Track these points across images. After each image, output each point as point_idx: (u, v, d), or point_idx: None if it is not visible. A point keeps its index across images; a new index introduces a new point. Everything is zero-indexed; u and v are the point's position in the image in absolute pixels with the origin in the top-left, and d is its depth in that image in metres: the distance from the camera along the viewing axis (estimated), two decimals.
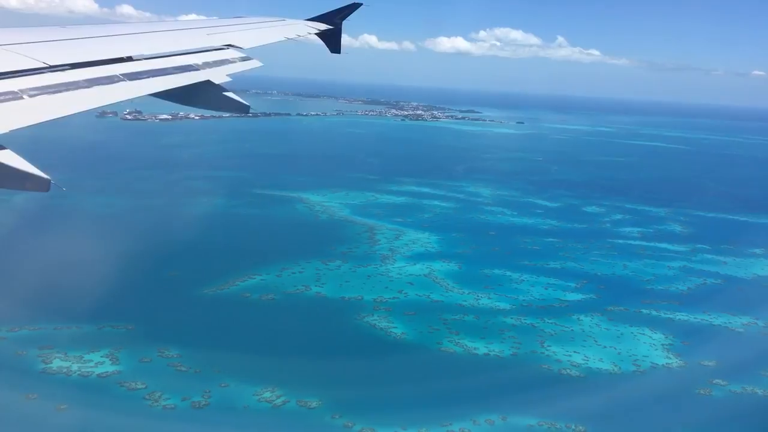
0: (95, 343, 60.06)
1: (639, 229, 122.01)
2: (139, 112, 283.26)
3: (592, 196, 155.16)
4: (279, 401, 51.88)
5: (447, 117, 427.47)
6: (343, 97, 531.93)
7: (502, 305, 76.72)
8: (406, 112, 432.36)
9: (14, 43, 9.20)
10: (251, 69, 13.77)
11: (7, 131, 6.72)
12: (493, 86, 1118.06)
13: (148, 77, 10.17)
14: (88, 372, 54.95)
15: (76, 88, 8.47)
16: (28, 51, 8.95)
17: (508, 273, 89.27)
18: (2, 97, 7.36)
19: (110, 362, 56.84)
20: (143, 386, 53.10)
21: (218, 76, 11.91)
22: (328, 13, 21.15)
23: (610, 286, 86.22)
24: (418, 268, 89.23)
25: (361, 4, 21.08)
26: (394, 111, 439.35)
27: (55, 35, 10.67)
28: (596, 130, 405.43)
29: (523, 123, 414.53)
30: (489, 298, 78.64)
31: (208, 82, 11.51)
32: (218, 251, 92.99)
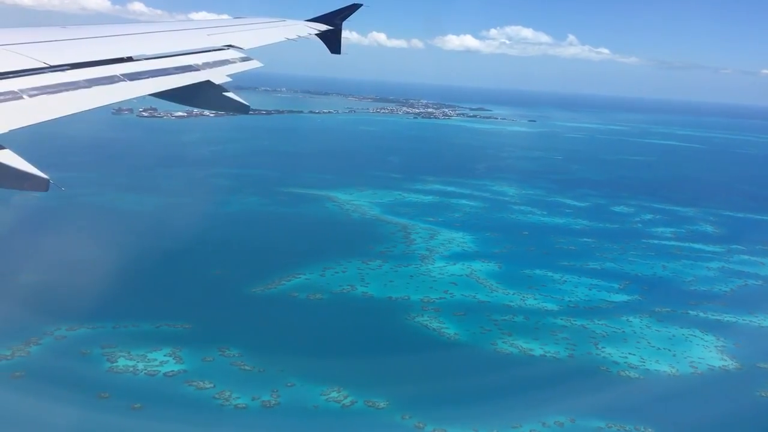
0: (156, 342, 60.36)
1: (671, 230, 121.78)
2: (155, 109, 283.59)
3: (618, 196, 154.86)
4: (347, 401, 52.07)
5: (458, 115, 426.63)
6: (352, 95, 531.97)
7: (550, 306, 76.75)
8: (417, 110, 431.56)
9: (15, 43, 9.20)
10: (252, 69, 13.81)
11: (7, 131, 6.72)
12: (502, 84, 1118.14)
13: (149, 77, 10.20)
14: (154, 371, 55.26)
15: (76, 88, 8.49)
16: (28, 51, 8.95)
17: (549, 273, 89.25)
18: (2, 97, 7.35)
19: (174, 361, 57.12)
20: (211, 386, 53.35)
21: (218, 77, 11.94)
22: (328, 13, 21.19)
23: (653, 287, 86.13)
24: (459, 268, 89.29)
25: (361, 5, 21.06)
26: (405, 109, 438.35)
27: (56, 35, 10.70)
28: (608, 128, 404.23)
29: (535, 121, 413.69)
30: (535, 299, 78.67)
31: (208, 83, 11.51)
32: (258, 250, 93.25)
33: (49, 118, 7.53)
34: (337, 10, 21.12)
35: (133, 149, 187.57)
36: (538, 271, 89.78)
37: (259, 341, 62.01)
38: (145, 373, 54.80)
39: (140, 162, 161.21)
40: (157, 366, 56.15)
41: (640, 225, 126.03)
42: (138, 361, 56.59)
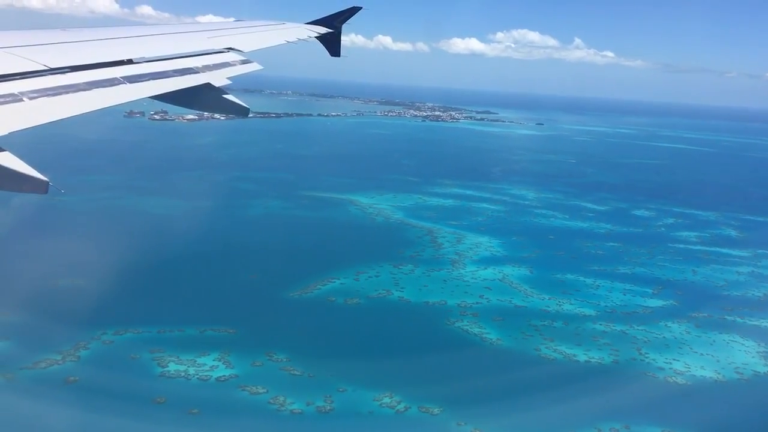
0: (203, 347, 60.47)
1: (695, 234, 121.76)
2: (165, 112, 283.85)
3: (636, 200, 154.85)
4: (401, 407, 52.12)
5: (465, 118, 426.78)
6: (357, 98, 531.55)
7: (587, 311, 76.78)
8: (424, 113, 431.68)
9: (15, 45, 9.22)
10: (252, 71, 13.82)
11: (7, 133, 6.73)
12: (507, 87, 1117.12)
13: (149, 80, 10.19)
14: (206, 376, 55.37)
15: (77, 91, 8.50)
16: (28, 53, 8.96)
17: (581, 278, 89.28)
18: (2, 99, 7.36)
19: (224, 366, 57.23)
20: (264, 391, 53.44)
21: (218, 79, 11.93)
22: (328, 16, 21.13)
23: (687, 293, 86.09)
24: (491, 273, 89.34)
25: (360, 8, 20.98)
26: (412, 112, 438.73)
27: (56, 38, 10.73)
28: (616, 131, 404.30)
29: (542, 124, 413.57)
30: (571, 304, 78.70)
31: (208, 85, 11.51)
32: (289, 254, 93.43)
33: (49, 121, 7.55)
34: (336, 13, 21.12)
35: (150, 152, 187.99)
36: (569, 276, 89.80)
37: (304, 346, 62.09)
38: (197, 378, 54.91)
39: (159, 165, 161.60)
40: (207, 371, 56.24)
41: (663, 229, 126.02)
42: (188, 366, 56.70)
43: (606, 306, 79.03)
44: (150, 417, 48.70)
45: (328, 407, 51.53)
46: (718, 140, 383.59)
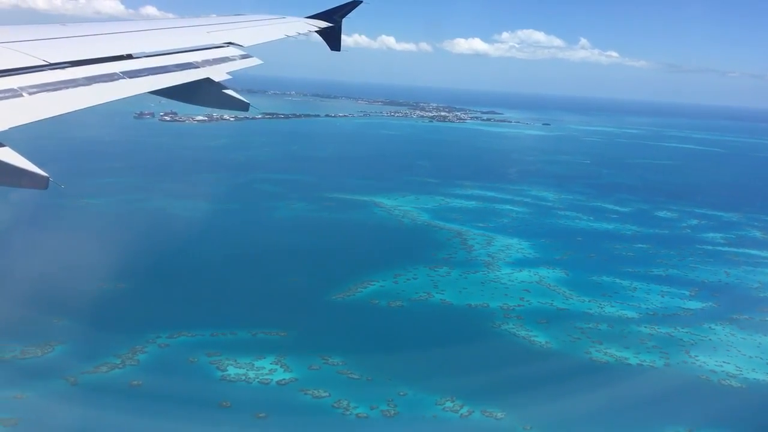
0: (257, 350, 60.64)
1: (721, 235, 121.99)
2: (175, 113, 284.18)
3: (657, 201, 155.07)
4: (464, 411, 52.30)
5: (471, 118, 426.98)
6: (361, 98, 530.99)
7: (629, 313, 76.99)
8: (430, 114, 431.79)
9: (15, 40, 9.19)
10: (252, 66, 13.73)
11: (6, 128, 6.72)
12: (511, 87, 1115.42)
13: (148, 75, 10.19)
14: (266, 379, 55.54)
15: (76, 86, 8.48)
16: (28, 48, 8.91)
17: (617, 280, 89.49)
18: (2, 95, 7.33)
19: (282, 370, 57.40)
20: (327, 394, 53.63)
21: (218, 74, 11.91)
22: (328, 10, 21.08)
23: (723, 294, 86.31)
24: (527, 275, 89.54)
25: (361, 2, 20.97)
26: (418, 112, 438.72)
27: (56, 33, 10.68)
28: (624, 131, 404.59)
29: (549, 124, 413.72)
30: (612, 306, 78.92)
31: (208, 80, 11.49)
32: (323, 256, 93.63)
33: (49, 116, 7.54)
34: (336, 7, 21.07)
35: (166, 154, 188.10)
36: (605, 278, 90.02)
37: (357, 349, 62.27)
38: (258, 382, 55.08)
39: (179, 167, 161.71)
40: (267, 374, 56.41)
41: (688, 231, 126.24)
42: (247, 370, 56.88)
43: (647, 308, 79.21)
44: (218, 421, 48.90)
45: (393, 411, 51.70)
46: (725, 140, 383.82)
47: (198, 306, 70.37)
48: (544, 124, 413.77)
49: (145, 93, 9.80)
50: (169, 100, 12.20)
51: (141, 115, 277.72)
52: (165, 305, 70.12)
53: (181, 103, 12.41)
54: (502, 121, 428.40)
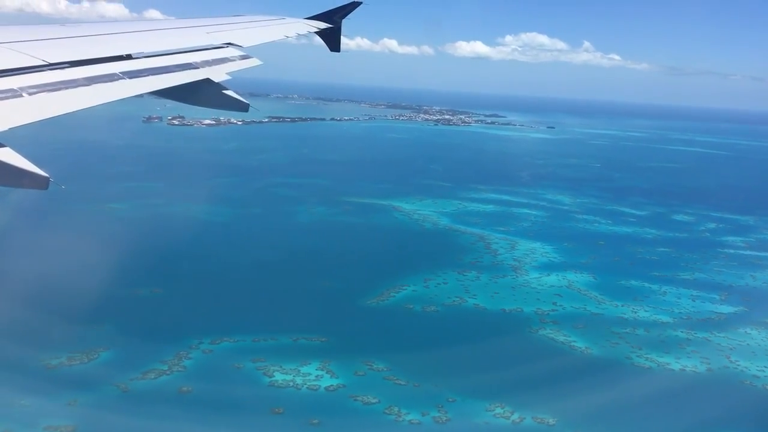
0: (301, 356, 60.61)
1: (740, 239, 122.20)
2: (183, 117, 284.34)
3: (672, 204, 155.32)
4: (515, 417, 52.30)
5: (476, 121, 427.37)
6: (364, 101, 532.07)
7: (663, 318, 77.08)
8: (434, 117, 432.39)
9: (15, 41, 9.17)
10: (252, 66, 13.72)
11: (6, 129, 6.69)
12: (513, 90, 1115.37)
13: (148, 75, 10.18)
14: (314, 385, 55.50)
15: (76, 86, 8.47)
16: (28, 49, 8.89)
17: (646, 284, 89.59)
18: (2, 95, 7.31)
19: (328, 375, 57.38)
20: (376, 401, 53.60)
21: (218, 75, 11.91)
22: (327, 11, 21.01)
23: (753, 298, 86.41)
24: (555, 279, 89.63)
25: (361, 3, 20.90)
26: (422, 115, 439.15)
27: (56, 33, 10.67)
28: (628, 135, 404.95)
29: (553, 128, 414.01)
30: (646, 311, 78.98)
31: (207, 80, 11.49)
32: (351, 261, 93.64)
33: (49, 116, 7.52)
34: (336, 8, 21.01)
35: (180, 158, 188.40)
36: (634, 282, 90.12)
37: (399, 355, 62.15)
38: (306, 388, 55.02)
39: (194, 171, 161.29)
40: (314, 380, 56.38)
41: (708, 234, 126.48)
42: (294, 375, 56.85)
43: (680, 313, 79.31)
44: (273, 427, 48.91)
45: (444, 417, 51.67)
46: (730, 144, 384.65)
47: (235, 311, 70.29)
48: (548, 128, 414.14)
49: (145, 93, 9.79)
50: (175, 102, 12.30)
51: (149, 119, 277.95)
52: (202, 310, 70.07)
53: (188, 107, 12.40)
54: (506, 124, 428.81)
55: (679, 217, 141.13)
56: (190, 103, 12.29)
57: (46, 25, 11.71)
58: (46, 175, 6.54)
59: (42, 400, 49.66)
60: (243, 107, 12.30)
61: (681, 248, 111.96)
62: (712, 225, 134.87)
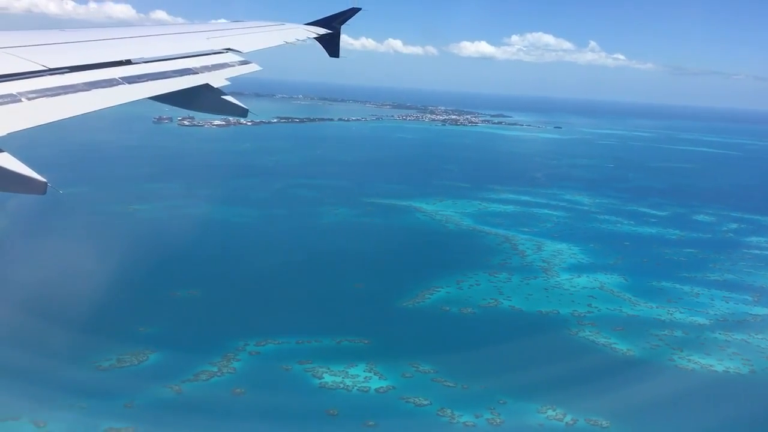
0: (346, 358, 60.72)
1: (765, 239, 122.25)
2: (192, 118, 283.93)
3: (691, 205, 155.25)
4: (568, 419, 52.36)
5: (482, 122, 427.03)
6: (369, 102, 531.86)
7: (699, 320, 77.09)
8: (441, 117, 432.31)
9: (14, 45, 9.19)
10: (251, 72, 13.77)
11: (5, 134, 6.70)
12: (517, 91, 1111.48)
13: (147, 80, 10.18)
14: (364, 387, 55.61)
15: (75, 91, 8.48)
16: (27, 54, 8.91)
17: (677, 286, 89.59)
18: (1, 100, 7.34)
19: (377, 377, 57.46)
20: (428, 402, 53.68)
21: (217, 80, 11.92)
22: (326, 17, 21.08)
23: None
24: (586, 281, 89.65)
25: (360, 9, 20.96)
26: (429, 116, 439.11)
27: (55, 38, 10.73)
28: (635, 134, 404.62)
29: (560, 128, 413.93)
30: (681, 313, 79.00)
31: (206, 86, 11.50)
32: (380, 262, 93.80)
33: (48, 121, 7.52)
34: (335, 14, 21.09)
35: (195, 159, 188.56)
36: (665, 284, 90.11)
37: (443, 356, 62.22)
38: (357, 390, 55.13)
39: (212, 172, 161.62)
40: (363, 382, 56.48)
41: (731, 235, 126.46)
42: (342, 377, 56.95)
43: (715, 314, 79.33)
44: (330, 429, 48.99)
45: (498, 420, 51.75)
46: (738, 143, 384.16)
47: (275, 312, 70.44)
48: (555, 128, 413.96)
49: (144, 98, 9.78)
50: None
51: (160, 119, 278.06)
52: (242, 312, 70.20)
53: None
54: (512, 124, 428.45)
55: (699, 218, 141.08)
56: (189, 109, 12.31)
57: (45, 30, 11.73)
58: (44, 180, 6.53)
59: (99, 402, 49.82)
60: (242, 112, 12.34)
61: (706, 249, 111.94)
62: (734, 225, 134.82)
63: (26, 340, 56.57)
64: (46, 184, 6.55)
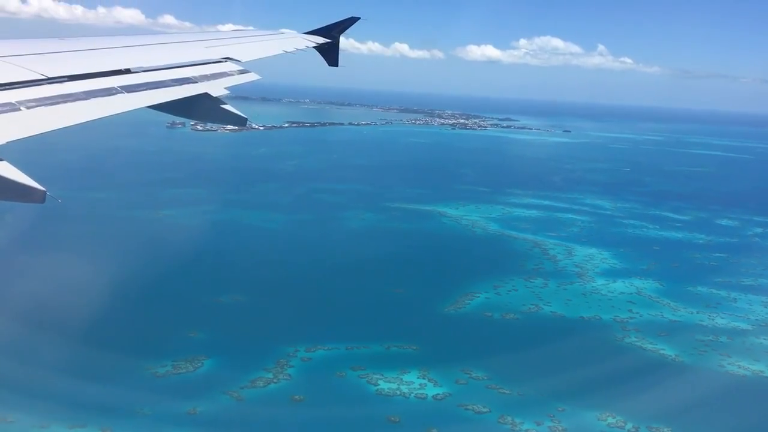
0: (398, 364, 60.67)
1: None
2: (205, 123, 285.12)
3: (713, 209, 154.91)
4: (630, 427, 52.19)
5: (491, 126, 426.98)
6: (376, 106, 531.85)
7: (742, 325, 76.89)
8: (450, 121, 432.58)
9: (13, 54, 9.22)
10: (250, 81, 13.75)
11: (4, 143, 6.70)
12: (523, 94, 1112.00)
13: (146, 89, 10.17)
14: (421, 394, 55.56)
15: (74, 100, 8.48)
16: (26, 63, 8.93)
17: (714, 291, 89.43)
18: (0, 109, 7.35)
19: (431, 384, 57.40)
20: (486, 410, 53.61)
21: (216, 89, 11.91)
22: (326, 26, 21.03)
23: None
24: (623, 286, 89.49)
25: (359, 18, 20.94)
26: (437, 120, 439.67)
27: (54, 47, 10.75)
28: (646, 138, 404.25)
29: (570, 131, 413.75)
30: (722, 318, 78.83)
31: (205, 95, 11.50)
32: (415, 267, 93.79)
33: (47, 130, 7.53)
34: (335, 23, 21.01)
35: (215, 164, 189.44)
36: (701, 289, 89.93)
37: (495, 362, 62.08)
38: (414, 396, 55.10)
39: (234, 177, 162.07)
40: (418, 389, 56.43)
41: (758, 239, 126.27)
42: (398, 384, 56.91)
43: (756, 319, 79.13)
44: None
45: (559, 427, 51.62)
46: (748, 147, 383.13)
47: (319, 318, 70.53)
48: (564, 131, 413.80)
49: (143, 107, 9.79)
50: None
51: (173, 124, 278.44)
52: (287, 317, 70.30)
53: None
54: (521, 128, 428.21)
55: (723, 222, 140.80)
56: (188, 117, 12.34)
57: (44, 39, 11.79)
58: (43, 189, 6.54)
59: (163, 409, 49.90)
60: (241, 121, 12.35)
61: (736, 253, 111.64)
62: (759, 230, 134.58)
63: (82, 348, 56.66)
64: (45, 192, 6.55)
